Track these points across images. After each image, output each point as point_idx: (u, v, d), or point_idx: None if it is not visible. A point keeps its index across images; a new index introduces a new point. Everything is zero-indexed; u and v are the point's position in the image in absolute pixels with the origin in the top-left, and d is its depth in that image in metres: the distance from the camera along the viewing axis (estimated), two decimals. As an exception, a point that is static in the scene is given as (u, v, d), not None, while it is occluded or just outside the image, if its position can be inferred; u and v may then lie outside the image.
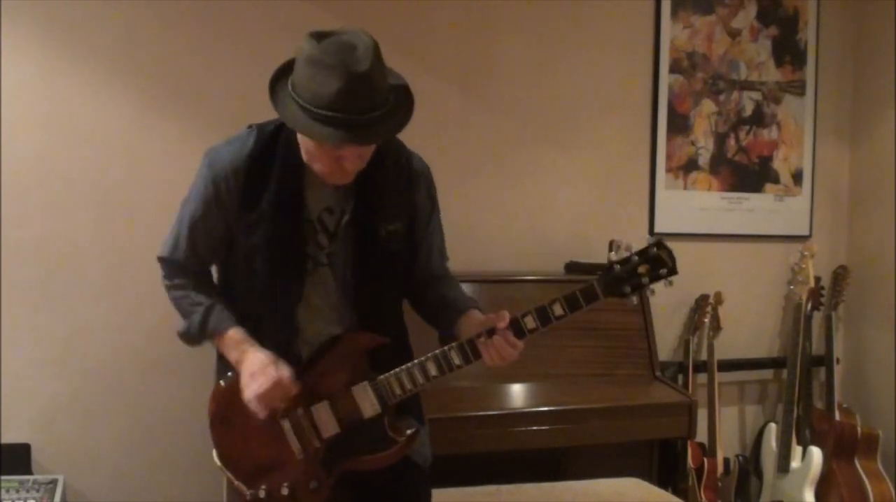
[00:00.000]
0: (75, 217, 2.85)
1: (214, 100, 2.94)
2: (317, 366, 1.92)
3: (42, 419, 2.83)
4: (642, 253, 1.78)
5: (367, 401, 1.88)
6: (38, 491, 2.59)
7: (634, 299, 1.81)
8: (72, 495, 2.82)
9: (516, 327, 1.80)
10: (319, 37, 1.69)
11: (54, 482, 2.65)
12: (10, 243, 2.78)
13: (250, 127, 1.95)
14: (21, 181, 2.79)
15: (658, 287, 1.82)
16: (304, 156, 1.84)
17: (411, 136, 3.21)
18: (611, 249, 3.30)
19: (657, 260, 1.77)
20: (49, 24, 2.78)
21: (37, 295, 2.82)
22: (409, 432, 1.92)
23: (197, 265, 1.97)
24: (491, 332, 1.80)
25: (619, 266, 1.78)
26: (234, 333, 1.90)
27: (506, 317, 1.80)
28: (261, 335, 1.91)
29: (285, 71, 1.78)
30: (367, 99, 1.68)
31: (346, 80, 1.64)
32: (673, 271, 1.78)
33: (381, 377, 1.88)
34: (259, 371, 1.83)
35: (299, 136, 1.82)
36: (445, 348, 1.84)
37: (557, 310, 1.79)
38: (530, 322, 1.80)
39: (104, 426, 2.90)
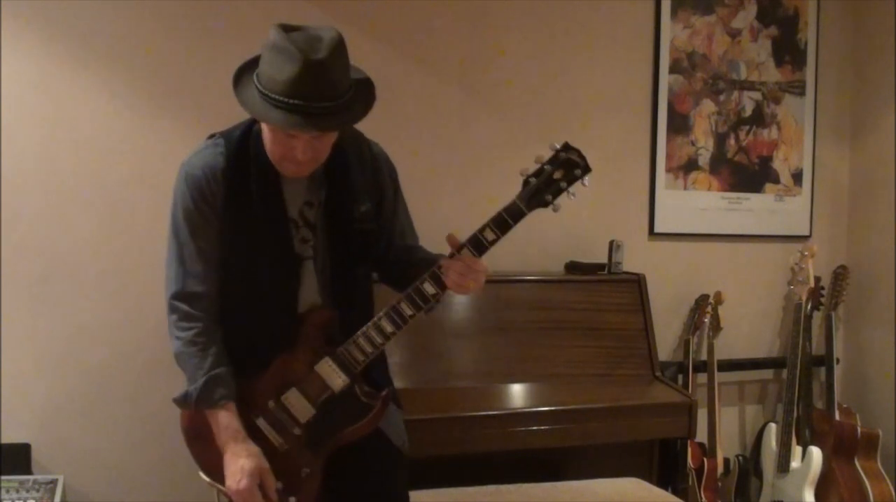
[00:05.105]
0: (75, 217, 2.85)
1: (214, 100, 2.92)
2: (277, 356, 1.92)
3: (42, 419, 2.83)
4: (553, 160, 1.81)
5: (333, 375, 1.89)
6: (38, 491, 2.59)
7: (558, 206, 1.83)
8: (72, 495, 2.82)
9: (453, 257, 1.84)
10: (288, 28, 1.73)
11: (54, 482, 2.65)
12: (9, 243, 2.78)
13: (212, 136, 1.95)
14: (21, 181, 2.79)
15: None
16: (266, 147, 1.85)
17: (412, 136, 3.25)
18: (611, 249, 3.32)
19: (569, 163, 1.81)
20: (49, 24, 2.78)
21: (37, 295, 2.82)
22: (382, 394, 1.93)
23: (213, 286, 1.91)
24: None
25: (534, 178, 1.82)
26: (223, 418, 1.87)
27: (455, 240, 1.83)
28: (261, 337, 1.91)
29: (252, 64, 1.81)
30: (321, 88, 1.69)
31: (301, 66, 1.67)
32: (586, 170, 1.81)
33: (341, 348, 1.89)
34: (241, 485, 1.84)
35: (262, 127, 1.83)
36: (395, 301, 1.86)
37: (489, 234, 1.81)
38: (465, 252, 1.82)
39: (104, 426, 2.90)
